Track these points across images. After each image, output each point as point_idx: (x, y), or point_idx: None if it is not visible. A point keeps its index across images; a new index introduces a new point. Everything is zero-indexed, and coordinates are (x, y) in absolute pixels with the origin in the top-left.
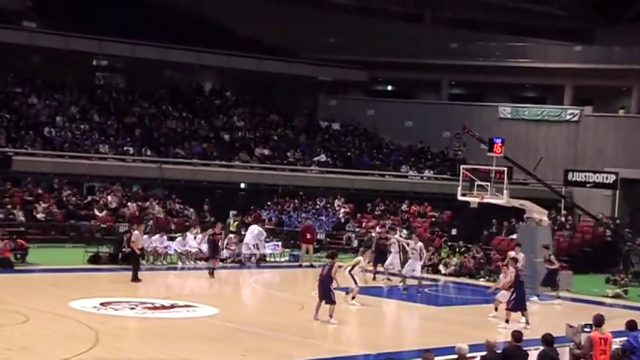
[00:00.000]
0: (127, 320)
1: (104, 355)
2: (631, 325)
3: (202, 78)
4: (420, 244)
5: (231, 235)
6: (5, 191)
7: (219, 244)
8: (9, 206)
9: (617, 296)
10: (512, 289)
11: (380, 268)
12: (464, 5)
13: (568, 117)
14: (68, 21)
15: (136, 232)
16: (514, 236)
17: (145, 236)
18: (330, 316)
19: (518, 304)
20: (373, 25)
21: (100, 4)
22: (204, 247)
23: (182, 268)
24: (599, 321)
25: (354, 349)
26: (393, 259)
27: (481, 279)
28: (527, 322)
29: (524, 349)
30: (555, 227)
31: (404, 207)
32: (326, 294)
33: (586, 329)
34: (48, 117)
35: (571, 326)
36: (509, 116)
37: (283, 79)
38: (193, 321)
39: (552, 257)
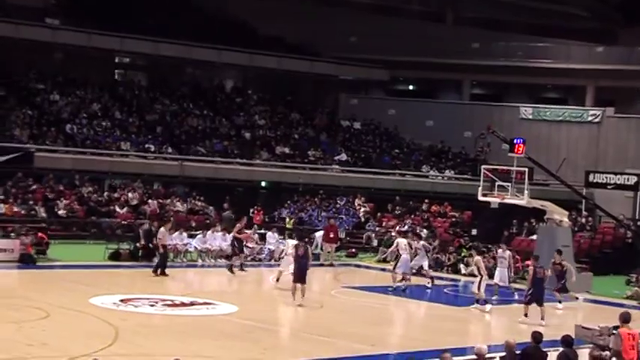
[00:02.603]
0: (147, 317)
1: (124, 352)
2: None
3: (224, 76)
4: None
5: (249, 231)
6: (27, 187)
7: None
8: (31, 202)
9: (636, 297)
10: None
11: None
12: (486, 5)
13: (590, 118)
14: (90, 18)
15: (162, 229)
16: (534, 237)
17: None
18: (302, 296)
19: (532, 299)
20: (395, 24)
21: (123, 1)
22: (225, 245)
23: (202, 266)
24: (625, 318)
25: (373, 349)
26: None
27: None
28: (525, 315)
29: (544, 349)
30: (576, 228)
31: (424, 207)
32: (304, 276)
33: (614, 332)
34: (70, 114)
35: (585, 328)
36: (530, 117)
37: (304, 77)
38: (213, 318)
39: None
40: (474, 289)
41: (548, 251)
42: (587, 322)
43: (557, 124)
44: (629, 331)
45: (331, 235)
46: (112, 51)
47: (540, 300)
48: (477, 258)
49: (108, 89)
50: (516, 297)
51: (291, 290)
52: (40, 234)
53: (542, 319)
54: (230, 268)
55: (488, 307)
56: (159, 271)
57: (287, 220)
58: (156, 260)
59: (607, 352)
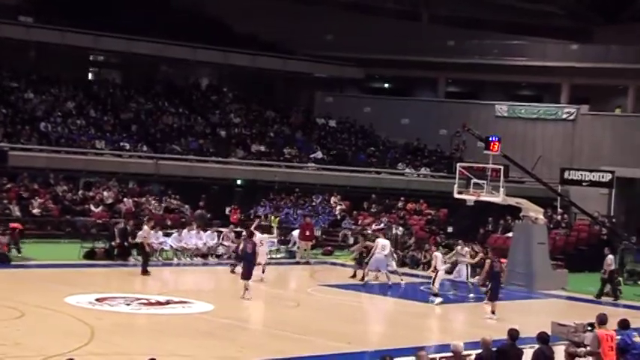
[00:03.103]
0: (123, 316)
1: (99, 351)
2: (624, 324)
3: (199, 74)
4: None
5: (225, 230)
6: (1, 186)
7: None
8: (5, 201)
9: (611, 294)
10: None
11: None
12: (461, 3)
13: (564, 115)
14: (65, 16)
15: (145, 227)
16: (510, 234)
17: (141, 232)
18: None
19: (493, 294)
20: (370, 22)
21: None
22: (212, 243)
23: (178, 264)
24: (602, 319)
25: (349, 347)
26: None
27: (477, 277)
28: (492, 312)
29: (520, 347)
30: (551, 225)
31: (400, 204)
32: (251, 271)
33: (589, 328)
34: (44, 112)
35: (560, 324)
36: (505, 114)
37: (280, 75)
38: (189, 317)
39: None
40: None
41: (524, 248)
42: (563, 319)
43: (532, 122)
44: (606, 333)
45: (307, 233)
46: (86, 49)
47: (496, 295)
48: (435, 254)
49: (82, 87)
50: (472, 295)
51: (244, 287)
52: (12, 224)
53: (493, 313)
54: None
55: (437, 300)
56: (143, 270)
57: (272, 218)
58: (133, 260)
59: (582, 349)
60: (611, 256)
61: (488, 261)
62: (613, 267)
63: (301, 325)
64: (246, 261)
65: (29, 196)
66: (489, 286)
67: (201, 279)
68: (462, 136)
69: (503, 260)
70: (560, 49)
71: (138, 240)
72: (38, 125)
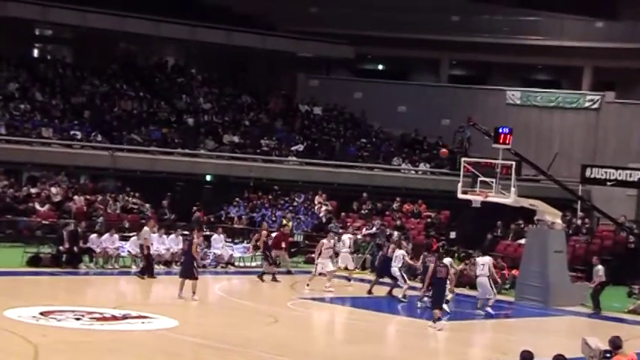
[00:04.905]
0: (72, 333)
1: None
2: None
3: (163, 52)
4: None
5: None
6: None
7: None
8: None
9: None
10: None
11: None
12: None
13: (587, 104)
14: None
15: (145, 228)
16: (522, 241)
17: (94, 235)
18: (193, 292)
19: (435, 302)
20: None
21: None
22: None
23: (137, 273)
24: (616, 344)
25: None
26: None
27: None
28: (434, 321)
29: None
30: (570, 231)
31: (395, 205)
32: (189, 270)
33: (607, 355)
34: None
35: (588, 344)
36: (518, 102)
37: (257, 54)
38: (149, 334)
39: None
40: None
41: (539, 258)
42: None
43: (549, 111)
44: (625, 359)
45: (283, 245)
46: (32, 22)
47: (440, 302)
48: (431, 265)
49: (27, 66)
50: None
51: (179, 285)
52: None
53: (435, 321)
54: (260, 276)
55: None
56: (146, 275)
57: (285, 222)
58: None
59: None
60: (600, 267)
61: (431, 265)
62: (604, 278)
63: (279, 345)
64: (184, 261)
65: None
66: (431, 292)
67: (164, 290)
68: (466, 131)
69: (514, 271)
70: (582, 27)
71: (140, 242)
72: None
